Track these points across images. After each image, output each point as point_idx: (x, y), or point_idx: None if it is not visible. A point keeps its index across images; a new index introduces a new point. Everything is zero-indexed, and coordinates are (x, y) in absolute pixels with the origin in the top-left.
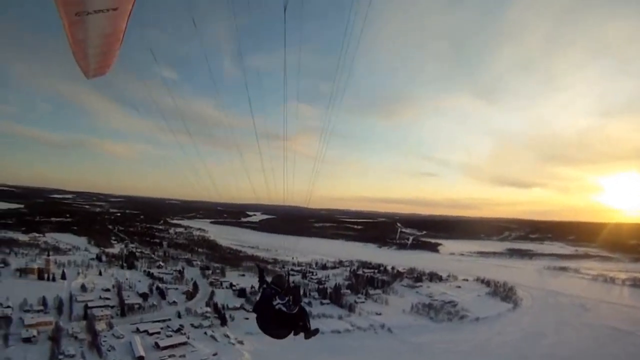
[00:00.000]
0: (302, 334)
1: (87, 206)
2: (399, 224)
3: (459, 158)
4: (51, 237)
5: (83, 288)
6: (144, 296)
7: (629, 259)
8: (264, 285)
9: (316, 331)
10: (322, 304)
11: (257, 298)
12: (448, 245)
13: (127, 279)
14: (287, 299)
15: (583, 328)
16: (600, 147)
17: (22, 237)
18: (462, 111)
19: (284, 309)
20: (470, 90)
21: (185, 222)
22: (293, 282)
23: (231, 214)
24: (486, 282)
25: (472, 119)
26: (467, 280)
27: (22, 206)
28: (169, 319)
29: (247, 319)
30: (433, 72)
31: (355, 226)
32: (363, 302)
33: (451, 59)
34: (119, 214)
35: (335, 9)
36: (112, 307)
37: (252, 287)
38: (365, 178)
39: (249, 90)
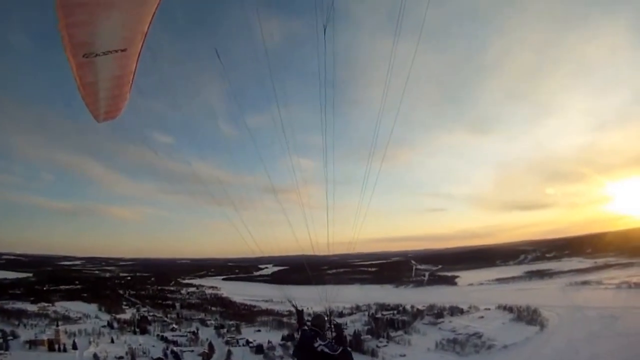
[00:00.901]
0: None
1: (96, 271)
2: (413, 261)
3: (463, 190)
4: (61, 306)
5: (95, 357)
6: None
7: None
8: (304, 327)
9: None
10: None
11: (296, 341)
12: (465, 277)
13: (140, 345)
14: (328, 339)
15: (616, 337)
16: (601, 159)
17: (31, 307)
18: (458, 146)
19: (326, 350)
20: (462, 125)
21: (197, 281)
22: (334, 320)
23: (242, 269)
24: (509, 309)
25: (469, 152)
26: (489, 309)
27: (30, 275)
28: None
29: None
30: (423, 113)
31: (370, 268)
32: (385, 345)
33: (440, 98)
34: (129, 278)
35: (323, 66)
36: None
37: (269, 342)
38: (376, 220)
39: (247, 148)
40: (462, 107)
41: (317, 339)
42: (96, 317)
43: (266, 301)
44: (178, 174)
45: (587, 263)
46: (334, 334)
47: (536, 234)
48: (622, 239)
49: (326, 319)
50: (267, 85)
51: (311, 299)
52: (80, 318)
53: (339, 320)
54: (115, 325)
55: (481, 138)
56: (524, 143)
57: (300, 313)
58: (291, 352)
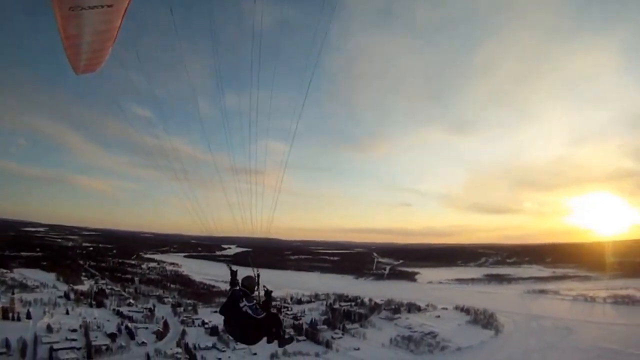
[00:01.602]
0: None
1: (59, 240)
2: (375, 254)
3: (434, 188)
4: (19, 273)
5: (49, 328)
6: (112, 337)
7: (607, 276)
8: (235, 287)
9: (290, 339)
10: (297, 340)
11: (225, 299)
12: (425, 274)
13: (95, 318)
14: (254, 302)
15: (571, 351)
16: (572, 172)
17: None
18: (435, 144)
19: (250, 312)
20: (443, 124)
21: (158, 257)
22: (266, 287)
23: (205, 247)
24: (466, 310)
25: (446, 151)
26: (446, 309)
27: None
28: None
29: (219, 359)
30: (406, 108)
31: (332, 257)
32: (340, 337)
33: (423, 95)
34: (91, 248)
35: (310, 54)
36: (79, 349)
37: None
38: (342, 209)
39: (222, 127)
40: (445, 106)
41: (244, 299)
42: (54, 286)
43: (226, 282)
44: (151, 147)
45: (546, 272)
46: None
47: (499, 238)
48: (583, 252)
49: (255, 282)
50: (250, 67)
51: (271, 282)
52: (37, 287)
53: (294, 310)
54: (72, 296)
55: (458, 138)
56: (500, 148)
57: (234, 273)
58: (219, 312)
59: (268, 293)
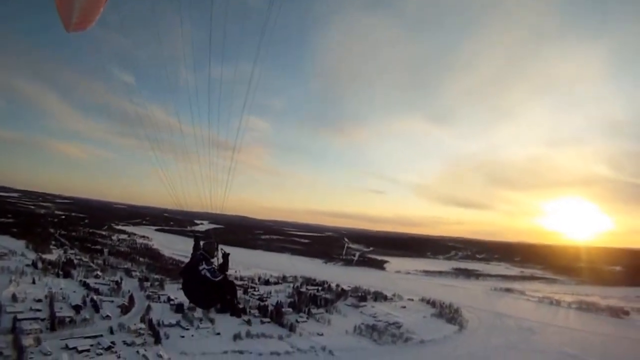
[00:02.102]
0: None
1: (32, 206)
2: (346, 239)
3: (409, 177)
4: None
5: (14, 298)
6: (77, 309)
7: (574, 281)
8: (197, 252)
9: (243, 311)
10: (262, 322)
11: (186, 262)
12: (394, 263)
13: (61, 289)
14: (213, 266)
15: (532, 353)
16: (547, 174)
17: None
18: (414, 134)
19: (208, 275)
20: (423, 114)
21: (130, 229)
22: (223, 250)
23: (177, 222)
24: (432, 303)
25: (424, 142)
26: (412, 300)
27: None
28: (101, 335)
29: (182, 337)
30: (388, 96)
31: (303, 240)
32: (305, 321)
33: (406, 85)
34: (63, 217)
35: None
36: (43, 319)
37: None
38: (316, 192)
39: (204, 99)
40: (426, 97)
41: (204, 262)
42: (22, 254)
43: None
44: (132, 115)
45: (514, 271)
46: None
47: (469, 233)
48: (552, 255)
49: (215, 247)
50: (239, 40)
51: (240, 262)
52: (5, 254)
53: (261, 291)
54: (40, 265)
55: (437, 130)
56: (477, 143)
57: (197, 239)
58: (179, 274)
59: (225, 255)
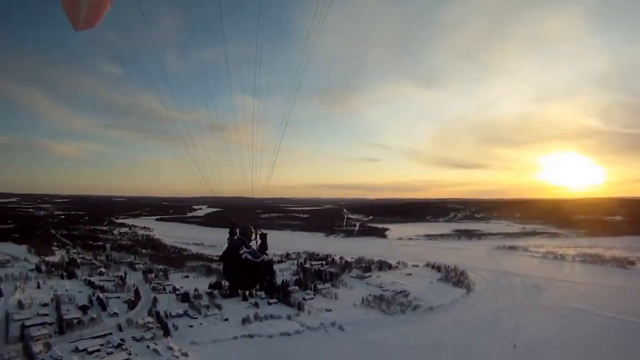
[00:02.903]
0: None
1: (31, 209)
2: (345, 210)
3: (403, 143)
4: None
5: (20, 305)
6: (84, 309)
7: (575, 234)
8: (234, 237)
9: (278, 289)
10: (269, 303)
11: (225, 248)
12: (395, 230)
13: (67, 290)
14: (252, 249)
15: (540, 310)
16: (539, 130)
17: None
18: (404, 99)
19: (250, 257)
20: (412, 78)
21: (130, 221)
22: (260, 230)
23: (177, 209)
24: (437, 267)
25: (415, 106)
26: (417, 266)
27: None
28: (110, 333)
29: (191, 326)
30: (376, 62)
31: (302, 215)
32: (312, 298)
33: (394, 50)
34: (63, 217)
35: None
36: (51, 324)
37: (196, 289)
38: (312, 165)
39: (194, 83)
40: (413, 60)
41: (243, 246)
42: (25, 259)
43: (197, 244)
44: (124, 106)
45: (515, 228)
46: (259, 243)
47: (467, 193)
48: (551, 209)
49: (252, 230)
50: (218, 20)
51: None
52: (8, 261)
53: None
54: (43, 268)
55: (427, 93)
56: (467, 103)
57: (232, 224)
58: (219, 260)
59: (263, 236)
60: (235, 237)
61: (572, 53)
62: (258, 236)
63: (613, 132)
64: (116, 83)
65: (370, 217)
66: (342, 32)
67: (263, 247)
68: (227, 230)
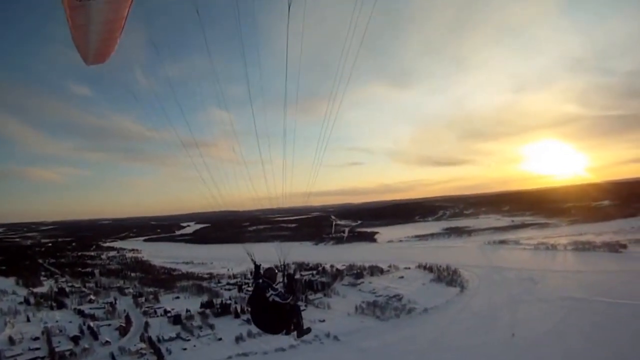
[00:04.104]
0: (293, 334)
1: (17, 239)
2: (333, 217)
3: (383, 144)
4: None
5: (11, 340)
6: (75, 340)
7: (565, 222)
8: (259, 280)
9: (309, 330)
10: None
11: (251, 292)
12: (385, 233)
13: (57, 322)
14: (279, 290)
15: (537, 303)
16: (518, 120)
17: None
18: (377, 100)
19: (277, 299)
20: (381, 78)
21: (118, 244)
22: (288, 270)
23: (165, 228)
24: (429, 268)
25: (391, 106)
26: (409, 268)
27: None
28: None
29: (185, 349)
30: (342, 66)
31: (290, 224)
32: (304, 309)
33: (362, 51)
34: (50, 245)
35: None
36: (43, 358)
37: (187, 310)
38: (295, 174)
39: (165, 101)
40: (382, 59)
41: (269, 289)
42: (13, 292)
43: (187, 263)
44: (96, 128)
45: (504, 221)
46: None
47: (454, 190)
48: (538, 199)
49: (277, 272)
50: (187, 34)
51: (230, 259)
52: None
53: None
54: (32, 300)
55: (400, 92)
56: (443, 99)
57: (257, 268)
58: (246, 305)
59: (290, 276)
60: (261, 281)
61: (544, 38)
62: (286, 276)
63: (592, 116)
64: (85, 104)
65: (359, 222)
66: (309, 38)
67: (290, 287)
68: (219, 247)
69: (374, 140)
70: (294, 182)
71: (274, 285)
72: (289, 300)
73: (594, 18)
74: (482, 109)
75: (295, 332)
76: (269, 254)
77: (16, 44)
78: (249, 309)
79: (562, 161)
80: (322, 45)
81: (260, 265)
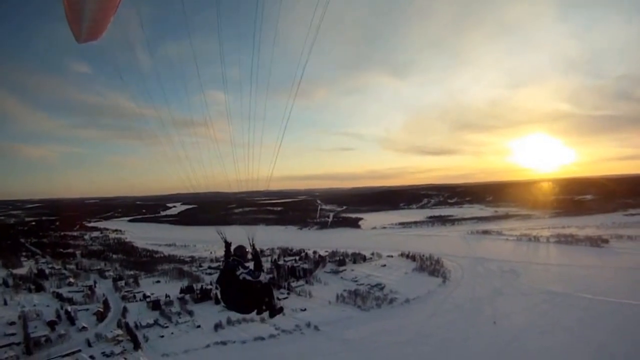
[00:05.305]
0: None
1: (2, 217)
2: (319, 201)
3: (375, 132)
4: None
5: None
6: (52, 325)
7: (548, 214)
8: (229, 259)
9: (281, 309)
10: None
11: (220, 272)
12: (369, 219)
13: (35, 306)
14: (249, 268)
15: (519, 296)
16: (509, 115)
17: None
18: (373, 87)
19: (248, 277)
20: (382, 68)
21: (102, 224)
22: (253, 249)
23: (150, 209)
24: (411, 257)
25: (387, 95)
26: (391, 256)
27: None
28: (79, 350)
29: (162, 336)
30: (342, 52)
31: (276, 208)
32: (286, 297)
33: (362, 41)
34: (33, 223)
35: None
36: (18, 344)
37: (167, 295)
38: (285, 157)
39: (161, 79)
40: (383, 49)
41: (240, 267)
42: None
43: (169, 245)
44: (92, 105)
45: (487, 211)
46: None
47: (439, 179)
48: (523, 191)
49: (247, 250)
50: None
51: (215, 242)
52: None
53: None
54: (10, 282)
55: (397, 82)
56: (439, 90)
57: (228, 246)
58: (215, 284)
59: (257, 254)
60: (231, 259)
61: (540, 39)
62: (252, 254)
63: (582, 115)
64: (83, 81)
65: (344, 207)
66: (305, 26)
67: (258, 265)
68: (204, 229)
69: (366, 127)
70: (279, 166)
71: (244, 263)
72: (260, 278)
73: (589, 22)
74: (476, 102)
75: (267, 312)
76: (256, 237)
77: (15, 22)
78: (218, 288)
79: (549, 156)
80: (324, 32)
81: (230, 243)
